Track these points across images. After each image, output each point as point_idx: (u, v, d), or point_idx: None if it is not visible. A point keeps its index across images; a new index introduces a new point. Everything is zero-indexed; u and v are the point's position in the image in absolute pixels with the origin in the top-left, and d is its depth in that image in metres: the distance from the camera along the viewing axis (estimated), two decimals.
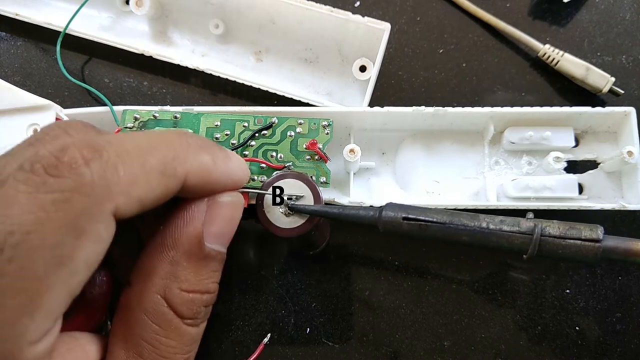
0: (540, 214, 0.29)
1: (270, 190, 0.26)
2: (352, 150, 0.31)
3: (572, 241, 0.23)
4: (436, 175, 0.34)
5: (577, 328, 0.32)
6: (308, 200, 0.26)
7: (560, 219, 0.25)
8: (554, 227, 0.24)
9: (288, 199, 0.26)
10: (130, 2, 0.36)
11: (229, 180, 0.22)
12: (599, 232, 0.24)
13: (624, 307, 0.32)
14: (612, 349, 0.31)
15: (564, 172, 0.32)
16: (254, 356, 0.30)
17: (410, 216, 0.25)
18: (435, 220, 0.25)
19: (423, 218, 0.25)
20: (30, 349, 0.16)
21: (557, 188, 0.32)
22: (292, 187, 0.26)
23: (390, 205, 0.25)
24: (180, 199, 0.21)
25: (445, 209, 0.26)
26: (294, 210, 0.26)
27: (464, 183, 0.34)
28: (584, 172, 0.33)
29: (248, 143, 0.31)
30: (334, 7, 0.34)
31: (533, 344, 0.31)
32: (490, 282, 0.33)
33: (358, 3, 0.38)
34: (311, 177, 0.29)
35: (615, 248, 0.23)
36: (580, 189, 0.33)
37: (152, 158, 0.18)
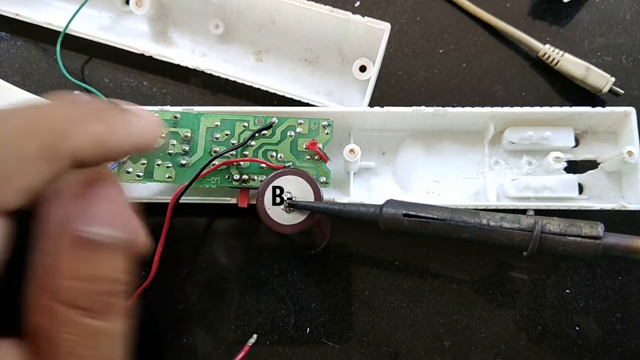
0: (540, 214, 0.29)
1: (270, 189, 0.26)
2: (352, 150, 0.31)
3: (572, 238, 0.23)
4: (436, 175, 0.34)
5: (577, 328, 0.32)
6: (308, 197, 0.26)
7: None
8: (554, 224, 0.24)
9: (288, 198, 0.26)
10: (130, 2, 0.36)
11: (130, 145, 0.20)
12: (599, 229, 0.23)
13: (624, 307, 0.32)
14: (612, 349, 0.31)
15: (564, 172, 0.32)
16: (239, 357, 0.30)
17: (410, 213, 0.25)
18: (435, 217, 0.25)
19: (423, 215, 0.25)
20: None
21: (557, 188, 0.32)
22: (292, 184, 0.26)
23: (390, 202, 0.25)
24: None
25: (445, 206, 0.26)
26: (294, 206, 0.26)
27: (464, 183, 0.34)
28: (584, 172, 0.33)
29: (248, 143, 0.31)
30: (334, 7, 0.34)
31: (533, 344, 0.31)
32: (490, 282, 0.33)
33: (358, 3, 0.38)
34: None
35: (615, 245, 0.23)
36: (580, 189, 0.33)
37: (29, 145, 0.17)
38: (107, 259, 0.19)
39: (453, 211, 0.25)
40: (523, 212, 0.26)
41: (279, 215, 0.26)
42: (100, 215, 0.19)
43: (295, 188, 0.26)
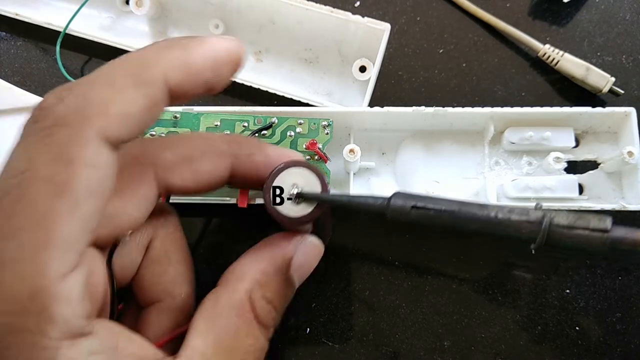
0: None
1: (278, 179, 0.26)
2: (352, 151, 0.31)
3: (580, 231, 0.23)
4: (436, 175, 0.34)
5: (577, 328, 0.32)
6: (315, 189, 0.26)
7: None
8: (562, 217, 0.24)
9: (297, 192, 0.26)
10: (130, 2, 0.36)
11: (212, 62, 0.21)
12: (607, 222, 0.23)
13: (624, 307, 0.32)
14: (612, 349, 0.31)
15: (564, 172, 0.32)
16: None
17: (418, 204, 0.25)
18: (444, 208, 0.24)
19: (432, 206, 0.24)
20: (61, 283, 0.17)
21: (557, 188, 0.32)
22: (299, 176, 0.26)
23: (399, 194, 0.25)
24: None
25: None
26: (302, 197, 0.26)
27: (464, 183, 0.34)
28: (584, 172, 0.33)
29: None
30: (334, 7, 0.34)
31: (533, 344, 0.31)
32: (490, 282, 0.32)
33: (358, 3, 0.38)
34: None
35: (623, 238, 0.23)
36: (581, 189, 0.33)
37: (119, 74, 0.19)
38: (285, 300, 0.26)
39: (462, 203, 0.25)
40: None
41: (286, 207, 0.26)
42: (302, 269, 0.26)
43: (302, 180, 0.26)
